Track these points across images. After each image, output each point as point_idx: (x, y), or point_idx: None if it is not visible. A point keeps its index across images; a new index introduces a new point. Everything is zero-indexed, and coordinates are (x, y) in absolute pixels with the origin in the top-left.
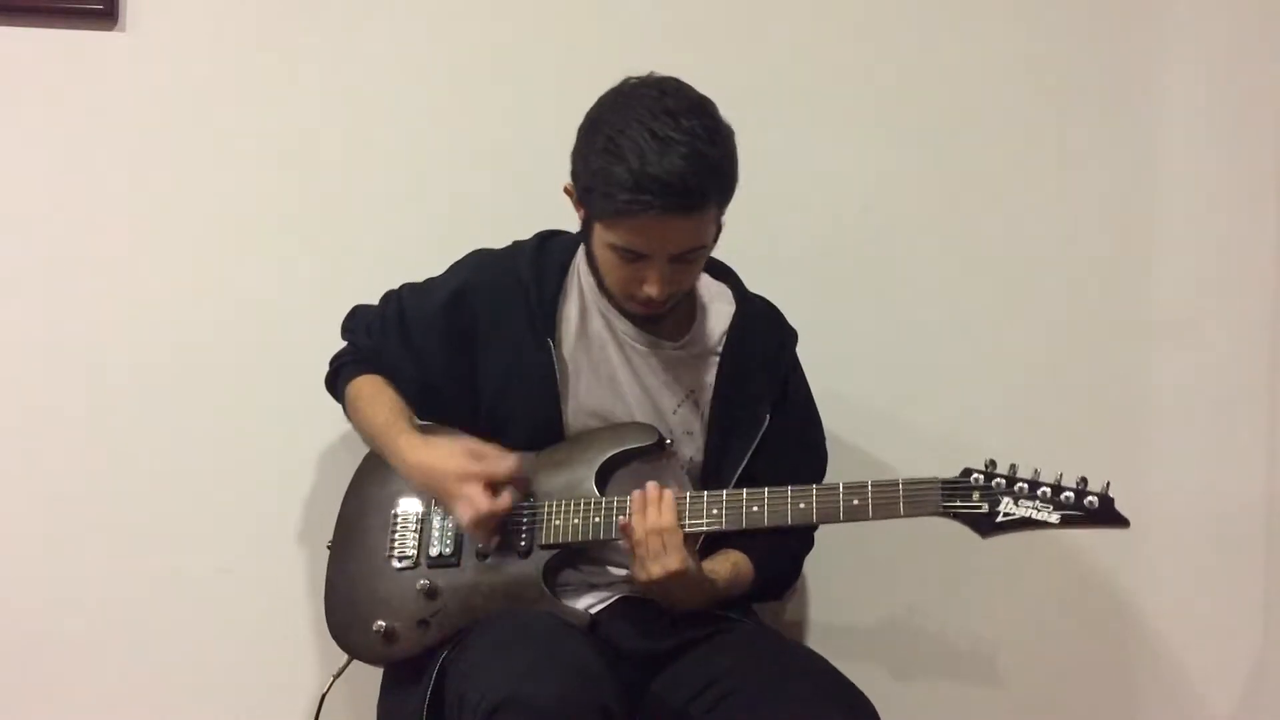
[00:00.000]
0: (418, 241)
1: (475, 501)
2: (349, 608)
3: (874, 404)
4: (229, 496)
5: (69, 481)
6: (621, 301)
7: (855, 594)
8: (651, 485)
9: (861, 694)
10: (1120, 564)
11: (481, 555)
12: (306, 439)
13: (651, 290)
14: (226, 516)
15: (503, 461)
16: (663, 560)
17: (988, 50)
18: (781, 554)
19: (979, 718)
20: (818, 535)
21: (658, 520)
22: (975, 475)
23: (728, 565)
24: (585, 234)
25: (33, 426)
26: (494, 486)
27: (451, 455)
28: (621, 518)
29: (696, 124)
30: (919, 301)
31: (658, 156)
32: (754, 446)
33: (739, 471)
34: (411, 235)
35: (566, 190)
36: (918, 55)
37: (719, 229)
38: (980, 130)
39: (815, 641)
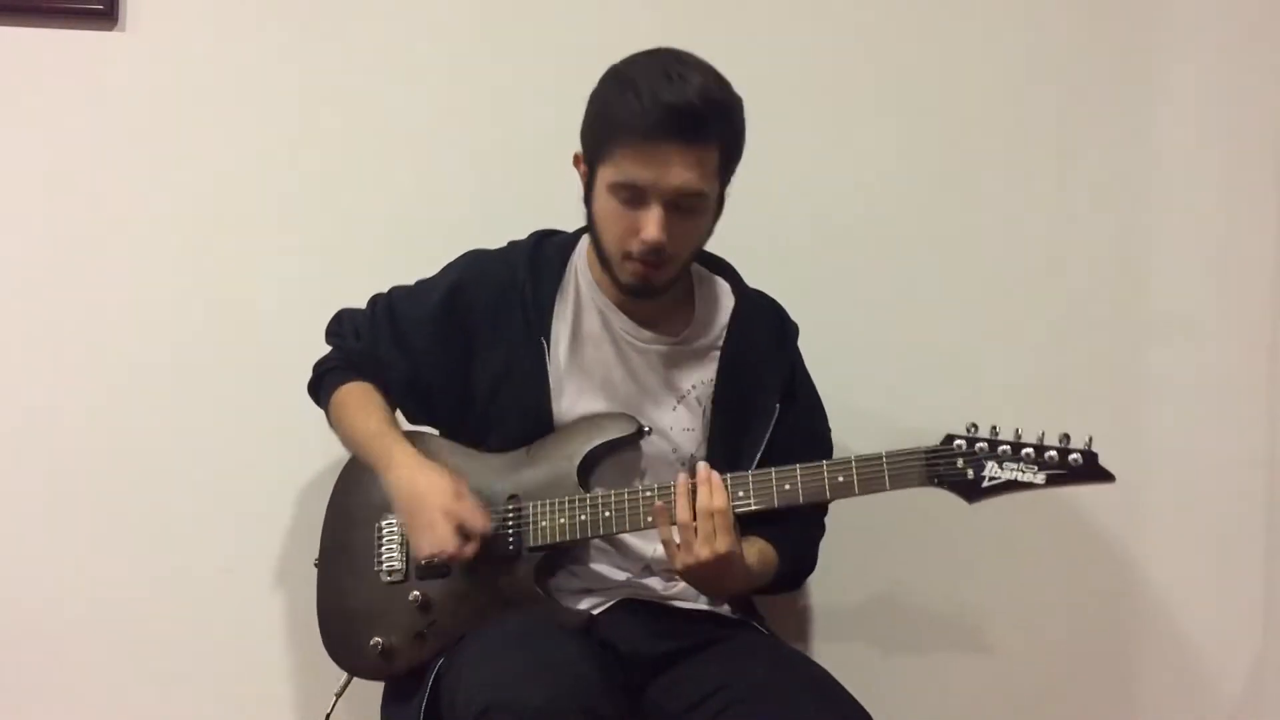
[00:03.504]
0: (417, 241)
1: (444, 540)
2: (344, 625)
3: (873, 400)
4: (231, 496)
5: (69, 482)
6: (618, 267)
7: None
8: (702, 466)
9: (858, 704)
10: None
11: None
12: (310, 438)
13: (650, 233)
14: (228, 516)
15: (480, 516)
16: (713, 543)
17: (988, 48)
18: (802, 541)
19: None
20: None
21: (709, 502)
22: (958, 441)
23: (754, 552)
24: (588, 197)
25: (33, 427)
26: (464, 534)
27: (440, 486)
28: (658, 502)
29: (710, 73)
30: (919, 298)
31: (669, 87)
32: (767, 437)
33: (754, 465)
34: (411, 235)
35: (576, 159)
36: (918, 53)
37: (720, 205)
38: (980, 127)
39: (807, 625)
